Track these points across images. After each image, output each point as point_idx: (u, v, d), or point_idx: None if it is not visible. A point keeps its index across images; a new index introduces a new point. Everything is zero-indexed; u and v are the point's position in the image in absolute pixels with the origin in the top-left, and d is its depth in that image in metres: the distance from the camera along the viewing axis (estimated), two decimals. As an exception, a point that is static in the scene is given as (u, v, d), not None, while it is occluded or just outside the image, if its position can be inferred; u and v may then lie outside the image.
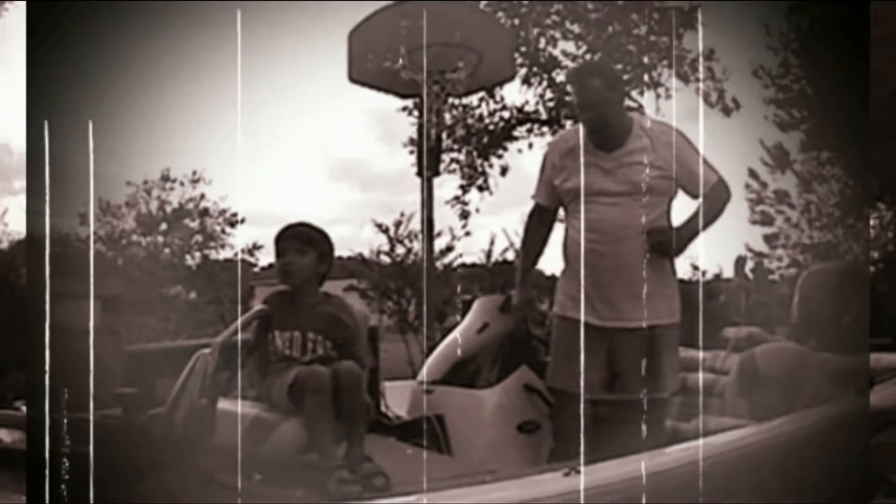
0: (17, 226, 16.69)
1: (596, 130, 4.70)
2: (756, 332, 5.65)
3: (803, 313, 5.62)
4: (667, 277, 4.69)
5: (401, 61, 8.63)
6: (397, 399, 5.15)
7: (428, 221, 9.14)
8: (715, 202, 4.71)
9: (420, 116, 9.16)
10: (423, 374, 5.21)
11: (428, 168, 9.04)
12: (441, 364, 5.14)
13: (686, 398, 4.97)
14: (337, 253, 4.47)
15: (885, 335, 6.12)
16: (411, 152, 14.54)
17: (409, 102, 12.64)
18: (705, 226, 4.70)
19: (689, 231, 4.70)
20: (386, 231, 14.40)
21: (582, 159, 4.73)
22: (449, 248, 14.45)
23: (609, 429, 3.84)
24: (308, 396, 3.76)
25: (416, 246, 13.80)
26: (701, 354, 5.26)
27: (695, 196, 4.70)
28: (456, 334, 5.32)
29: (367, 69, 8.68)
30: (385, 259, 14.43)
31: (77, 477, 3.33)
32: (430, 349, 5.85)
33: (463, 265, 14.97)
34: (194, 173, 17.44)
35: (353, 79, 8.81)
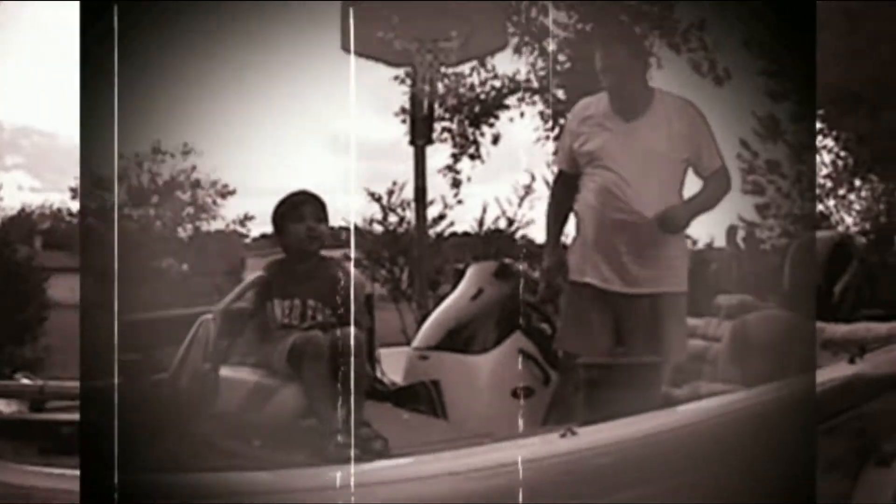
0: (11, 202, 16.70)
1: (616, 97, 4.74)
2: (748, 299, 5.70)
3: (794, 282, 5.65)
4: (677, 246, 4.73)
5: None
6: (392, 366, 5.18)
7: (421, 190, 9.14)
8: (715, 189, 4.76)
9: (413, 85, 9.14)
10: (418, 340, 5.24)
11: (420, 137, 9.03)
12: (436, 330, 5.17)
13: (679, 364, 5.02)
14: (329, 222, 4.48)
15: (876, 306, 6.15)
16: (403, 121, 14.57)
17: (401, 72, 12.65)
18: (700, 212, 4.75)
19: (695, 207, 4.74)
20: (378, 200, 14.39)
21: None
22: (441, 217, 14.46)
23: (609, 392, 3.88)
24: (306, 362, 3.79)
25: (409, 215, 13.80)
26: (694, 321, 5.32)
27: (700, 176, 4.75)
28: (450, 301, 5.35)
29: (360, 38, 8.65)
30: (377, 228, 14.42)
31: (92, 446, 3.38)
32: (424, 317, 5.88)
33: (454, 234, 14.98)
34: (185, 145, 17.40)
35: (346, 48, 8.78)
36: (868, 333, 5.16)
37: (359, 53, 8.76)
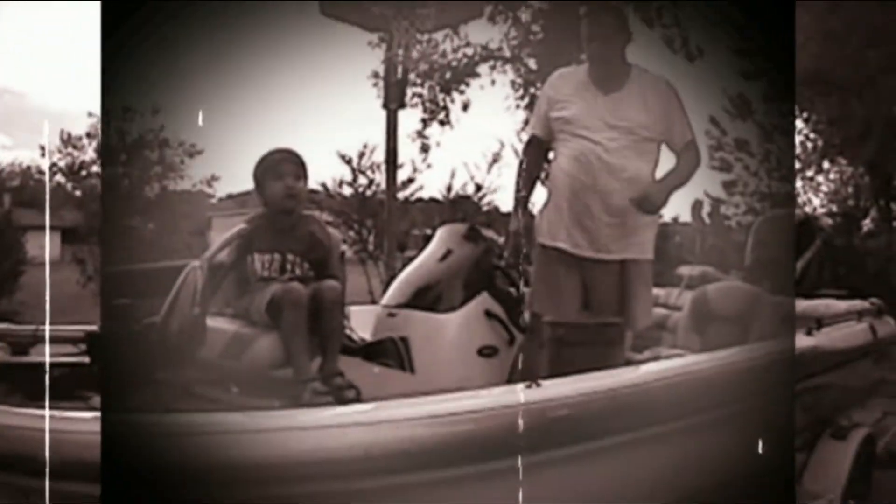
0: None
1: (597, 67, 4.85)
2: (710, 271, 5.83)
3: (756, 258, 5.76)
4: (644, 215, 4.84)
5: None
6: (360, 324, 5.25)
7: (392, 153, 9.22)
8: (687, 163, 4.87)
9: (388, 50, 9.20)
10: (387, 298, 5.32)
11: (393, 101, 9.10)
12: (404, 289, 5.23)
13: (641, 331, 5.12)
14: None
15: (840, 286, 6.28)
16: (374, 85, 14.61)
17: (375, 37, 12.70)
18: (675, 188, 4.85)
19: (670, 184, 4.84)
20: (349, 162, 14.40)
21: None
22: (410, 181, 14.52)
23: (574, 351, 3.98)
24: (285, 312, 3.88)
25: (378, 177, 13.84)
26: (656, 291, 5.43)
27: (673, 150, 4.86)
28: (419, 261, 5.43)
29: (339, 3, 8.68)
30: (347, 190, 14.43)
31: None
32: (391, 278, 5.95)
33: (420, 199, 15.03)
34: (154, 104, 17.32)
35: (325, 13, 8.81)
36: (827, 310, 5.31)
37: (338, 18, 8.79)
